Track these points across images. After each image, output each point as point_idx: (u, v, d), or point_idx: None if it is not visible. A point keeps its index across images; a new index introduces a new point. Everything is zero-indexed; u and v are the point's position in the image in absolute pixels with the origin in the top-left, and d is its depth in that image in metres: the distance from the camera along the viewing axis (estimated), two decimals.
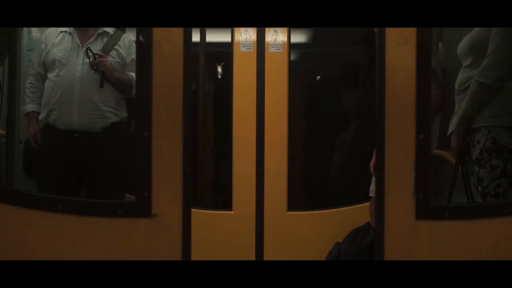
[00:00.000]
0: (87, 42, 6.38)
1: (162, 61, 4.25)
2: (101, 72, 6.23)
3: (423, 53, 4.25)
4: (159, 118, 4.25)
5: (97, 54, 6.24)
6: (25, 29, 7.18)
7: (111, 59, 6.35)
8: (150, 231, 4.24)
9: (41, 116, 6.36)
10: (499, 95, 5.26)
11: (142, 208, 4.24)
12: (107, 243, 4.27)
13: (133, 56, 6.31)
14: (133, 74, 6.30)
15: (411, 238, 4.25)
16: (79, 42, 6.38)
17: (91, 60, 6.22)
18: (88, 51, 6.22)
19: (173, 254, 4.23)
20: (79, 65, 6.29)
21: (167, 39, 4.26)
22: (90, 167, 6.28)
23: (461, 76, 5.52)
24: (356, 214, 6.55)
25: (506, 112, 5.25)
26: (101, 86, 6.22)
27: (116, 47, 6.43)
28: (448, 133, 5.63)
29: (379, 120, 4.26)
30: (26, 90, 6.54)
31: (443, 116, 6.55)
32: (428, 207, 4.25)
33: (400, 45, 4.25)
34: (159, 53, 4.25)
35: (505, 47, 5.20)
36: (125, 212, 4.26)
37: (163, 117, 4.25)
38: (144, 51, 4.26)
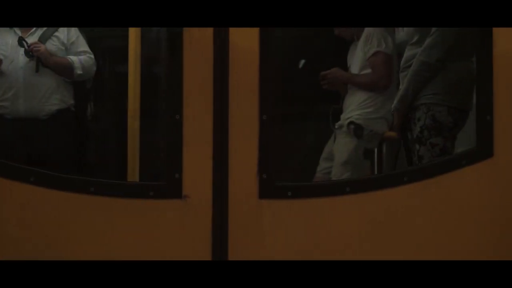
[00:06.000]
0: (28, 34, 6.44)
1: (192, 45, 4.27)
2: (36, 57, 6.33)
3: (267, 34, 4.33)
4: (189, 101, 4.27)
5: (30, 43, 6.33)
6: None
7: (52, 45, 6.45)
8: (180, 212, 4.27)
9: None
10: (439, 74, 5.39)
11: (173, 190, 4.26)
12: (138, 224, 4.27)
13: (74, 39, 6.51)
14: (73, 58, 6.48)
15: (254, 217, 4.34)
16: (20, 34, 6.42)
17: (26, 48, 6.33)
18: (22, 41, 6.34)
19: (203, 236, 4.27)
20: (21, 55, 6.37)
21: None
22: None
23: (407, 53, 5.65)
24: None
25: (445, 91, 5.38)
26: (37, 70, 6.33)
27: (56, 33, 6.51)
28: (392, 111, 5.80)
29: (222, 99, 4.29)
30: None
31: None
32: (271, 187, 4.33)
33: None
34: (189, 38, 4.27)
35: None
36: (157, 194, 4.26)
37: (194, 100, 4.28)
38: (174, 36, 4.27)
